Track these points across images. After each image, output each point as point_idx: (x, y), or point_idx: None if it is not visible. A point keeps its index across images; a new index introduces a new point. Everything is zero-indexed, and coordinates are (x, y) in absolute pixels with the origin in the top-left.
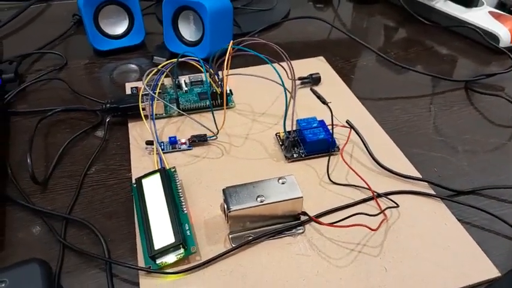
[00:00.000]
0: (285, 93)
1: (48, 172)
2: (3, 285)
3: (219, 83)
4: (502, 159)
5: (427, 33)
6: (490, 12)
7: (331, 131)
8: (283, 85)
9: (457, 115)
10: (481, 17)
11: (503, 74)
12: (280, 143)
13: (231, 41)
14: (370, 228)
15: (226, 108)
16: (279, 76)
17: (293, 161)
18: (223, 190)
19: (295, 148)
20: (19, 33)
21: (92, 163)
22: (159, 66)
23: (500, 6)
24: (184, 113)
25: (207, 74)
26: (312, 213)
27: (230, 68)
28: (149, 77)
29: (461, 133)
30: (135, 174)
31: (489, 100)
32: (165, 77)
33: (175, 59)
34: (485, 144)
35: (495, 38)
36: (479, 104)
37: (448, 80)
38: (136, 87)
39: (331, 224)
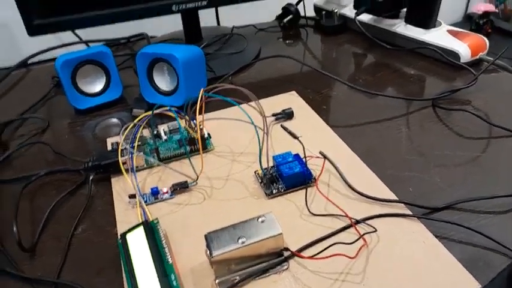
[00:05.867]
0: (256, 132)
1: (36, 237)
2: None
3: (195, 128)
4: (472, 171)
5: (393, 57)
6: (449, 31)
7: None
8: (253, 124)
9: (427, 133)
10: (440, 37)
11: (467, 88)
12: (260, 180)
13: (202, 89)
14: (348, 257)
15: (206, 152)
16: (248, 116)
17: (273, 197)
18: (205, 236)
19: (274, 184)
20: (1, 100)
21: (79, 223)
22: (135, 121)
23: (467, 19)
24: (161, 164)
25: (183, 120)
26: (295, 247)
27: (207, 112)
28: (127, 131)
29: (431, 150)
30: (121, 229)
31: (456, 115)
32: (144, 128)
33: (150, 112)
34: (455, 158)
35: (456, 55)
36: (447, 120)
37: (415, 100)
38: (116, 142)
39: (311, 257)
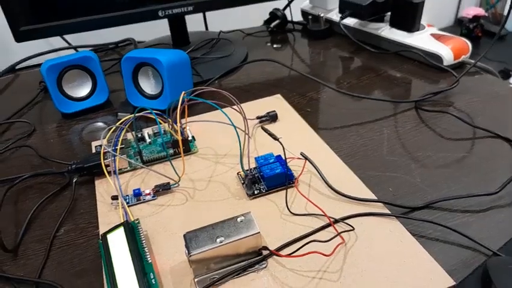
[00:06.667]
0: (237, 134)
1: (18, 238)
2: None
3: (180, 130)
4: (453, 172)
5: (379, 60)
6: (432, 35)
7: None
8: (233, 125)
9: (409, 135)
10: (423, 40)
11: (450, 90)
12: (242, 181)
13: (183, 92)
14: (323, 254)
15: (190, 154)
16: (229, 119)
17: (255, 198)
18: (184, 236)
19: (256, 185)
20: None
21: (61, 224)
22: (118, 123)
23: (458, 23)
24: (144, 166)
25: (167, 124)
26: (274, 247)
27: (192, 115)
28: (108, 134)
29: (413, 151)
30: (103, 230)
31: (438, 117)
32: (127, 131)
33: (132, 115)
34: (436, 159)
35: (439, 58)
36: (429, 122)
37: (398, 102)
38: (100, 145)
39: (288, 255)
